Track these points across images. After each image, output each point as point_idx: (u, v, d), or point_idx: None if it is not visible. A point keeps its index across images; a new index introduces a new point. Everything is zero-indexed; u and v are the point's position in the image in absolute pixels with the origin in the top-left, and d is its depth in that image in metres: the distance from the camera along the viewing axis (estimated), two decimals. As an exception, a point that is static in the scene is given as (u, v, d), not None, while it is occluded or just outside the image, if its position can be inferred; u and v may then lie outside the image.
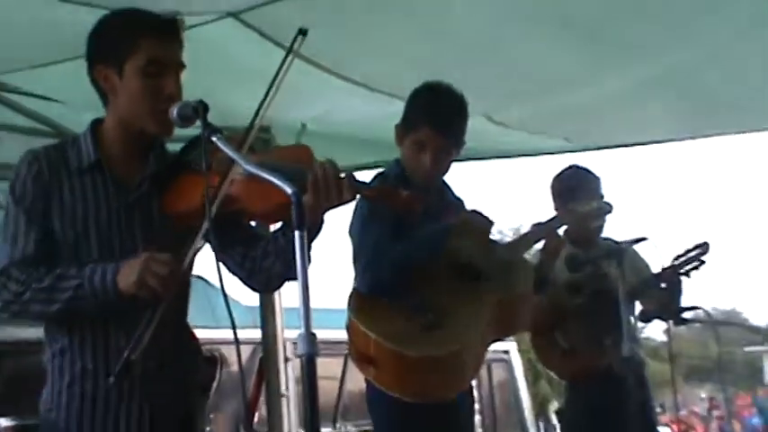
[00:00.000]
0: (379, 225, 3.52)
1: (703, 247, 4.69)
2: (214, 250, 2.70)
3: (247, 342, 7.47)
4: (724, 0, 4.25)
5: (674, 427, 21.44)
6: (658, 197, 76.37)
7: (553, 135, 5.82)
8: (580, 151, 5.99)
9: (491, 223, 3.84)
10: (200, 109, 2.59)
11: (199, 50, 4.40)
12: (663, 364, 36.85)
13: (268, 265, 2.84)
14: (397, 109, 4.07)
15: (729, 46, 4.60)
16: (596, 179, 4.90)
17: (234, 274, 2.91)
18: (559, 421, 5.38)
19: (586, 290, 4.71)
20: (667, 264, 4.69)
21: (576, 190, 4.74)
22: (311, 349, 2.13)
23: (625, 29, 4.45)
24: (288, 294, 6.22)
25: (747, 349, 45.00)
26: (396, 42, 4.71)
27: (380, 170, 3.93)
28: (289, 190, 2.23)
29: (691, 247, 4.71)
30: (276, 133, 5.77)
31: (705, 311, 4.83)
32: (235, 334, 2.47)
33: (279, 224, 2.88)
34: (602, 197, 4.77)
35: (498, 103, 5.23)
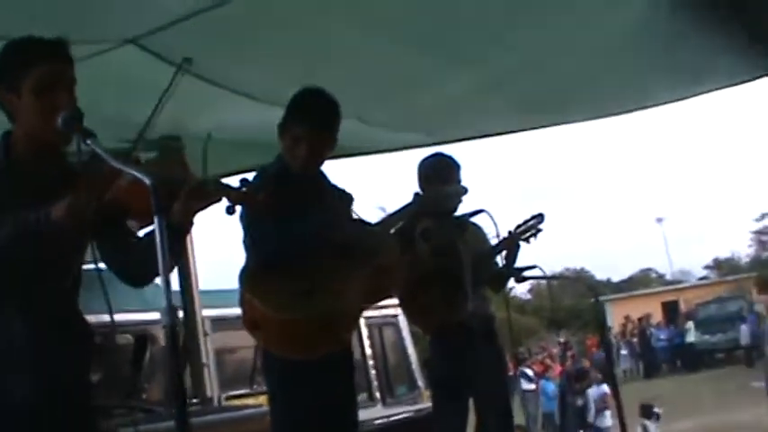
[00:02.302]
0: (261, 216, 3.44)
1: (539, 218, 4.70)
2: (94, 240, 2.73)
3: (172, 322, 7.34)
4: (538, 15, 4.28)
5: (536, 367, 21.90)
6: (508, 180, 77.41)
7: (414, 130, 5.76)
8: (438, 144, 5.90)
9: (351, 198, 3.82)
10: (76, 116, 2.57)
11: (104, 74, 4.31)
12: (528, 317, 37.55)
13: (139, 258, 2.74)
14: (277, 115, 3.97)
15: (545, 53, 4.61)
16: (456, 165, 4.81)
17: (109, 266, 2.84)
18: (427, 370, 5.29)
19: (437, 257, 4.61)
20: (508, 232, 4.69)
21: (437, 173, 4.69)
22: (173, 320, 2.15)
23: (462, 39, 4.45)
24: (203, 278, 6.15)
25: (593, 300, 45.93)
26: (274, 58, 4.63)
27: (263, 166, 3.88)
28: (147, 181, 2.19)
29: (528, 217, 4.71)
30: (186, 142, 5.66)
31: (541, 269, 4.80)
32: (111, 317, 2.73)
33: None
34: (459, 181, 4.73)
35: (367, 106, 5.17)
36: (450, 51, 4.56)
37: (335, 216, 3.67)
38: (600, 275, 57.73)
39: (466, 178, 4.82)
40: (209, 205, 2.64)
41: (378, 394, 8.75)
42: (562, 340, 34.04)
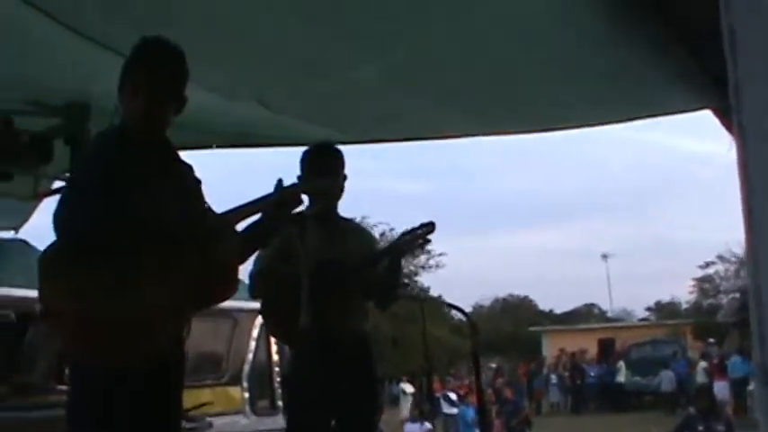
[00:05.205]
0: (81, 184, 2.94)
1: (429, 227, 4.27)
2: None
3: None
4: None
5: (461, 390, 21.67)
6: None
7: (324, 124, 5.25)
8: (354, 143, 5.39)
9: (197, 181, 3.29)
10: None
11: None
12: (464, 339, 37.60)
13: None
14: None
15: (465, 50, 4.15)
16: (335, 157, 4.42)
17: None
18: (284, 389, 4.80)
19: (288, 262, 4.10)
20: (394, 241, 4.29)
21: (312, 165, 4.29)
22: None
23: (378, 20, 3.95)
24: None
25: (531, 328, 46.13)
26: (167, 26, 4.14)
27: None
28: None
29: (417, 225, 4.29)
30: (94, 115, 5.20)
31: (414, 288, 4.34)
32: None
33: None
34: (338, 174, 4.32)
35: (269, 88, 4.68)
36: (360, 36, 4.08)
37: (172, 195, 3.10)
38: (543, 305, 57.97)
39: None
40: None
41: (280, 402, 8.35)
42: (494, 365, 33.97)
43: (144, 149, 3.11)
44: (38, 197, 6.50)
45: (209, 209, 3.24)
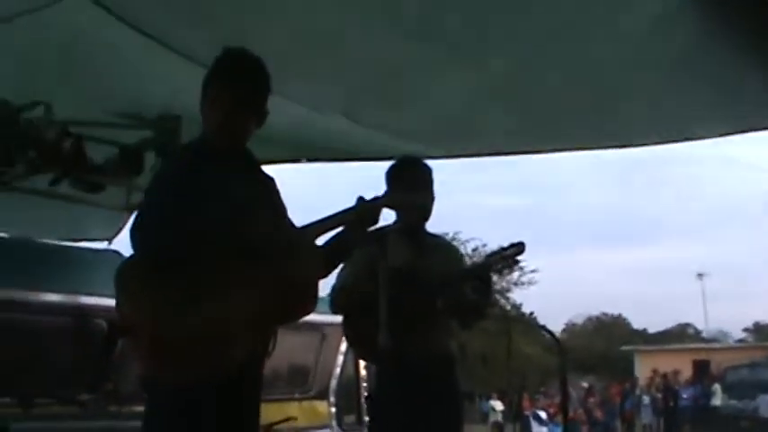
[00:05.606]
0: (161, 197, 2.88)
1: (518, 247, 4.07)
2: None
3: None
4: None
5: (552, 409, 21.36)
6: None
7: (411, 138, 5.15)
8: (440, 158, 5.25)
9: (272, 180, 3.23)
10: None
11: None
12: (555, 357, 37.04)
13: None
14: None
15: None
16: (425, 171, 4.24)
17: None
18: (368, 407, 4.70)
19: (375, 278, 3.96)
20: (482, 259, 4.15)
21: (398, 179, 4.12)
22: None
23: (469, 33, 3.84)
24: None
25: (624, 348, 45.24)
26: (255, 39, 4.12)
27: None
28: None
29: (506, 245, 4.10)
30: (185, 123, 5.21)
31: (504, 307, 4.20)
32: None
33: None
34: (428, 189, 4.19)
35: (355, 101, 4.61)
36: (450, 50, 3.97)
37: (252, 209, 3.01)
38: (636, 324, 56.78)
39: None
40: None
41: (367, 418, 8.25)
42: (585, 385, 33.31)
43: (224, 162, 3.04)
44: (130, 209, 6.57)
45: (290, 223, 3.16)
